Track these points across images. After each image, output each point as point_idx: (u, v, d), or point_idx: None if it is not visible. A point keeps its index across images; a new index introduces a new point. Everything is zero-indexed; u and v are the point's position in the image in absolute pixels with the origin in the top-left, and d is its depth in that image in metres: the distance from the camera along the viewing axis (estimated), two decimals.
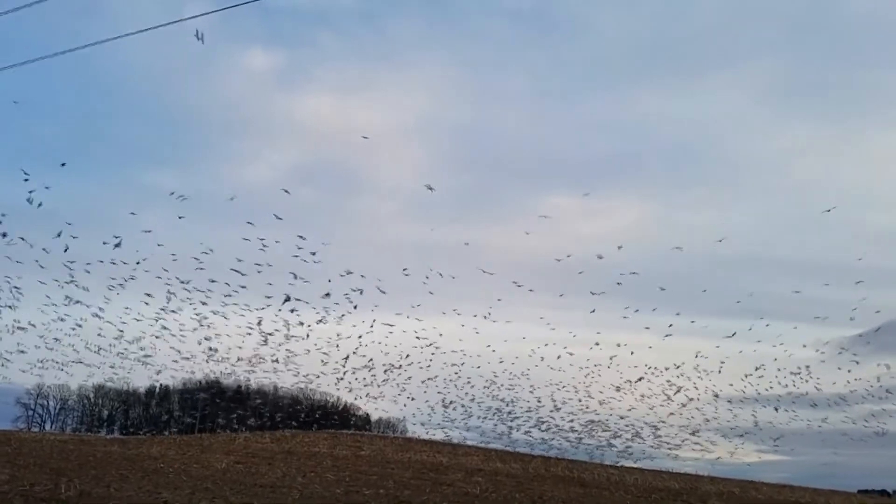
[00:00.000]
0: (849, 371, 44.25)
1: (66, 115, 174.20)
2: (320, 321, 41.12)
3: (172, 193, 32.01)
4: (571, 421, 49.38)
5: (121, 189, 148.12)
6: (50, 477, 22.31)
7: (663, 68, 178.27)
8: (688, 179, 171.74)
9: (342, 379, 47.00)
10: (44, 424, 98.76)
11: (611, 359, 47.10)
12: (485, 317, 42.68)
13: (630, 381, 48.83)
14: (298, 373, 46.91)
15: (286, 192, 34.50)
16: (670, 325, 41.58)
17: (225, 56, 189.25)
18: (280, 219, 32.94)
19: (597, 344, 45.97)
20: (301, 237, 34.07)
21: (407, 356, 46.22)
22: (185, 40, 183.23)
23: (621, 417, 49.42)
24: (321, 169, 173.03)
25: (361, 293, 36.99)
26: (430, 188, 34.09)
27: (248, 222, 33.14)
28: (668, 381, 48.62)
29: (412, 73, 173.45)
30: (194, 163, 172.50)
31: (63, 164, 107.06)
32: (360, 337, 43.31)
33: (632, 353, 49.09)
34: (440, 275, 38.17)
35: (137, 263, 35.94)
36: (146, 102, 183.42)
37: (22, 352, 41.41)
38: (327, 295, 35.73)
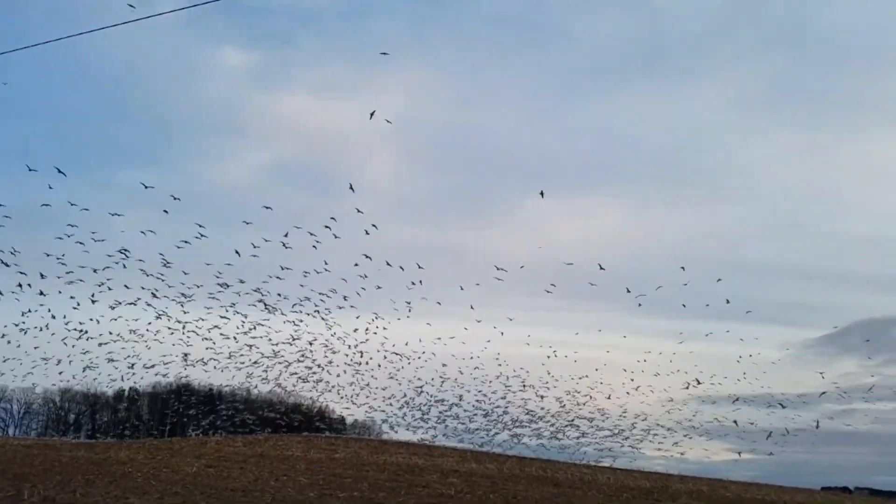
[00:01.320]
0: (815, 371, 45.67)
1: (41, 113, 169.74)
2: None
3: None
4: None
5: (99, 189, 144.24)
6: (12, 483, 21.73)
7: (646, 74, 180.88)
8: (670, 184, 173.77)
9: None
10: (7, 429, 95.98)
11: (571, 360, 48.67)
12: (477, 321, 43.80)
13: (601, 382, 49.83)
14: (265, 373, 47.11)
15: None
16: (664, 329, 42.38)
17: (205, 56, 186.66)
18: (249, 223, 33.82)
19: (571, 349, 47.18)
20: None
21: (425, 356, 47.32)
22: (162, 39, 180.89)
23: (623, 414, 50.70)
24: (302, 169, 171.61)
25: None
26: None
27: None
28: (637, 381, 49.69)
29: (395, 74, 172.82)
30: (172, 162, 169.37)
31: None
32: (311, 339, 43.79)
33: (607, 351, 50.26)
34: (417, 283, 39.01)
35: (98, 257, 35.93)
36: (124, 101, 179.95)
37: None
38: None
